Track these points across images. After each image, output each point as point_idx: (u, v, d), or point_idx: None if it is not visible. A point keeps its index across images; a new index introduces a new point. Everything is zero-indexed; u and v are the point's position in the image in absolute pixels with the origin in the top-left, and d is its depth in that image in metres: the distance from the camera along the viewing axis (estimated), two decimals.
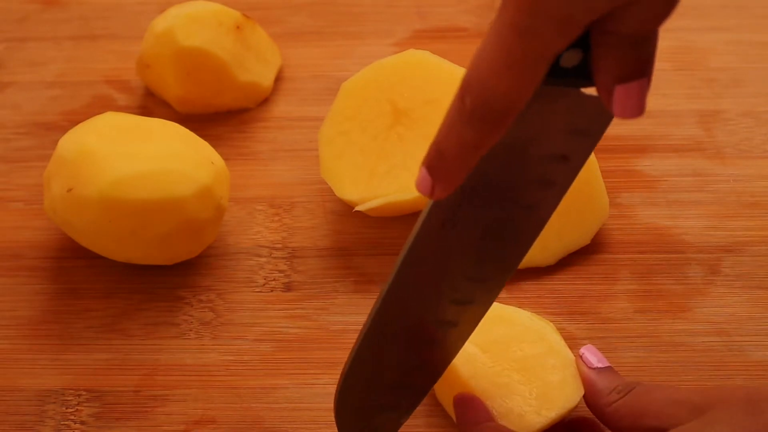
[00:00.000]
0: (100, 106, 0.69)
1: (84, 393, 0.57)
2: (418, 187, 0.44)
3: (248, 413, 0.56)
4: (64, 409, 0.56)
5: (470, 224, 0.47)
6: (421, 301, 0.49)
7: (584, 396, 0.52)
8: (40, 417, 0.56)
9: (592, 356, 0.53)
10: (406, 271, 0.47)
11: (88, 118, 0.60)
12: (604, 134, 0.66)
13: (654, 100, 0.67)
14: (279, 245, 0.62)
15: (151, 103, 0.70)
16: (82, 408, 0.56)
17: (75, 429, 0.56)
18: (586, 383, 0.52)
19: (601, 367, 0.53)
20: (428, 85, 0.60)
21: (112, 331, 0.59)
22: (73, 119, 0.67)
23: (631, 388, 0.51)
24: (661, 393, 0.49)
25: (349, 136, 0.61)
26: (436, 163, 0.44)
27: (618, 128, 0.66)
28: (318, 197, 0.64)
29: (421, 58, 0.61)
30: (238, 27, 0.67)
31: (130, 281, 0.61)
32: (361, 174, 0.60)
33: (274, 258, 0.62)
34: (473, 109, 0.41)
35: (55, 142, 0.60)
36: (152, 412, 0.56)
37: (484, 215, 0.47)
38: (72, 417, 0.56)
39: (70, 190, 0.57)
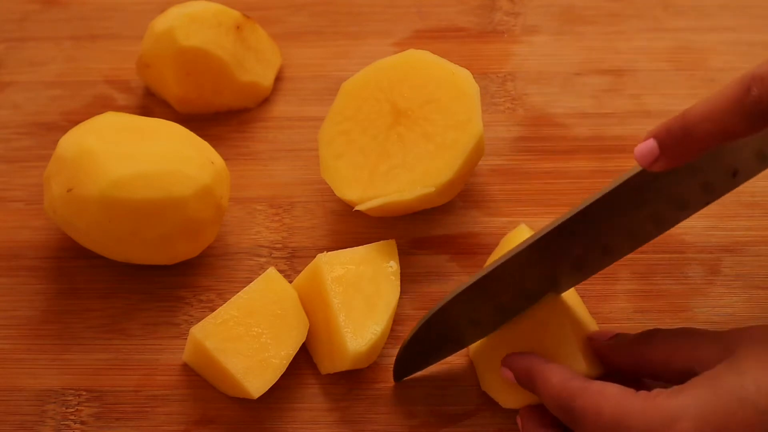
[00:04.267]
0: (100, 106, 0.69)
1: (84, 393, 0.57)
2: (639, 154, 0.46)
3: (248, 413, 0.56)
4: (64, 409, 0.56)
5: (630, 209, 0.50)
6: (528, 278, 0.53)
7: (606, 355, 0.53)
8: (40, 417, 0.56)
9: (599, 335, 0.54)
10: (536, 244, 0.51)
11: (88, 118, 0.60)
12: (604, 134, 0.66)
13: (654, 100, 0.67)
14: (279, 245, 0.62)
15: (151, 103, 0.70)
16: (82, 408, 0.56)
17: (75, 429, 0.56)
18: (601, 350, 0.54)
19: (611, 336, 0.54)
20: (428, 85, 0.60)
21: (112, 331, 0.59)
22: (73, 119, 0.67)
23: (652, 332, 0.52)
24: (686, 336, 0.50)
25: (349, 135, 0.61)
26: (673, 137, 0.45)
27: (618, 128, 0.66)
28: (318, 197, 0.64)
29: (421, 58, 0.61)
30: (238, 27, 0.67)
31: (130, 281, 0.61)
32: (361, 174, 0.60)
33: (274, 258, 0.62)
34: (758, 102, 0.42)
35: (55, 142, 0.60)
36: (152, 412, 0.56)
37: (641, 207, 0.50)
38: (72, 417, 0.56)
39: (70, 190, 0.57)
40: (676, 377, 0.50)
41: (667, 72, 0.69)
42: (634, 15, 0.71)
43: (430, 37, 0.72)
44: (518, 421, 0.54)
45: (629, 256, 0.59)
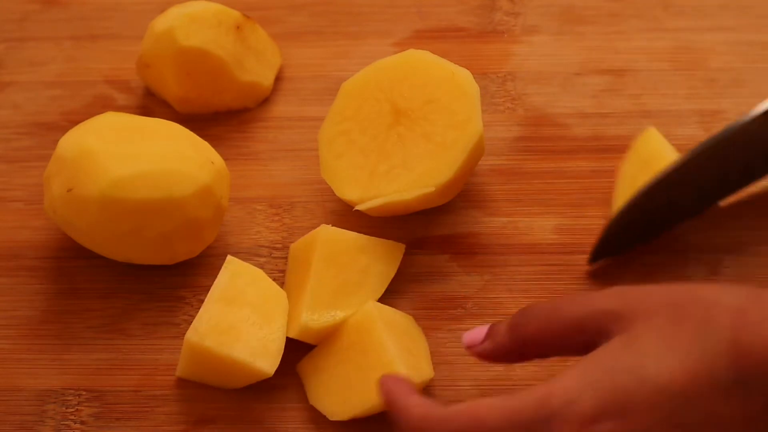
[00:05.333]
0: (100, 106, 0.69)
1: (84, 393, 0.57)
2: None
3: (248, 413, 0.56)
4: (64, 409, 0.56)
5: None
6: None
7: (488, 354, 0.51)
8: (40, 417, 0.56)
9: (471, 336, 0.51)
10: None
11: (88, 118, 0.60)
12: (604, 134, 0.66)
13: (654, 100, 0.67)
14: (279, 245, 0.62)
15: (151, 103, 0.70)
16: (82, 408, 0.56)
17: (75, 429, 0.56)
18: (491, 351, 0.50)
19: (481, 337, 0.51)
20: (428, 85, 0.60)
21: (112, 331, 0.59)
22: (73, 119, 0.67)
23: (534, 306, 0.49)
24: (575, 308, 0.48)
25: (349, 135, 0.61)
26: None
27: (618, 128, 0.66)
28: (318, 197, 0.64)
29: (421, 58, 0.61)
30: (238, 27, 0.67)
31: (130, 281, 0.61)
32: (361, 174, 0.60)
33: (274, 258, 0.62)
34: None
35: (55, 142, 0.60)
36: (152, 412, 0.56)
37: None
38: (72, 417, 0.56)
39: (70, 190, 0.57)
40: (578, 348, 0.47)
41: (667, 72, 0.69)
42: (634, 15, 0.71)
43: (430, 37, 0.72)
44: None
45: (629, 256, 0.59)
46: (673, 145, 0.66)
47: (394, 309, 0.56)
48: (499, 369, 0.57)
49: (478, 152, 0.59)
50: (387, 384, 0.49)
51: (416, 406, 0.47)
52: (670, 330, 0.45)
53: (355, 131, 0.60)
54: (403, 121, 0.60)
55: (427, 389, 0.55)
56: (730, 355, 0.43)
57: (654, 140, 0.60)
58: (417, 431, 0.46)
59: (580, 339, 0.47)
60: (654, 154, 0.59)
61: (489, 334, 0.50)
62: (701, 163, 0.57)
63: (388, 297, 0.60)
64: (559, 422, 0.44)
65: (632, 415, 0.44)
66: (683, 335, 0.44)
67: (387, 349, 0.53)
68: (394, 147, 0.60)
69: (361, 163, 0.60)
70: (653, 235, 0.60)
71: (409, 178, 0.59)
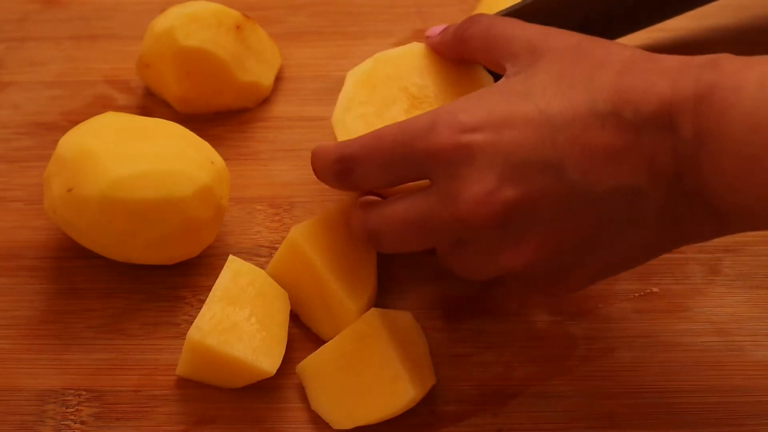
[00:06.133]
0: (100, 106, 0.69)
1: (84, 393, 0.57)
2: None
3: (248, 413, 0.56)
4: (64, 409, 0.56)
5: None
6: None
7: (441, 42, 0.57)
8: (40, 417, 0.56)
9: (433, 30, 0.58)
10: None
11: (88, 118, 0.60)
12: None
13: None
14: (279, 245, 0.62)
15: (151, 103, 0.70)
16: (82, 408, 0.56)
17: (75, 429, 0.56)
18: (436, 43, 0.57)
19: (441, 28, 0.57)
20: (438, 75, 0.58)
21: (112, 331, 0.59)
22: (73, 119, 0.67)
23: (478, 17, 0.54)
24: (509, 26, 0.52)
25: (366, 119, 0.58)
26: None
27: None
28: (318, 197, 0.64)
29: (424, 50, 0.59)
30: (238, 27, 0.67)
31: (130, 281, 0.61)
32: None
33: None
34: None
35: (55, 142, 0.60)
36: (152, 412, 0.56)
37: None
38: (72, 417, 0.56)
39: (70, 190, 0.57)
40: (499, 70, 0.52)
41: None
42: None
43: None
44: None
45: None
46: None
47: (394, 311, 0.56)
48: (499, 369, 0.57)
49: None
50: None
51: (333, 145, 0.54)
52: (567, 69, 0.48)
53: (372, 115, 0.58)
54: (421, 106, 0.58)
55: (428, 391, 0.55)
56: (611, 91, 0.47)
57: None
58: (335, 163, 0.53)
59: (495, 53, 0.52)
60: None
61: (443, 31, 0.57)
62: None
63: (388, 297, 0.60)
64: (440, 128, 0.48)
65: (507, 130, 0.47)
66: (575, 73, 0.48)
67: (392, 361, 0.53)
68: None
69: None
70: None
71: None
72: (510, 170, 0.47)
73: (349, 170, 0.52)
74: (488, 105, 0.48)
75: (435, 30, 0.57)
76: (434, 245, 0.52)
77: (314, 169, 0.55)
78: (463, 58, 0.56)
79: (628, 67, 0.48)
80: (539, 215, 0.47)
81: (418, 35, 0.72)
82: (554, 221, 0.48)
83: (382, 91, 0.59)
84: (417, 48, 0.60)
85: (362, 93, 0.59)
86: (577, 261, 0.49)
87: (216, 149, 0.61)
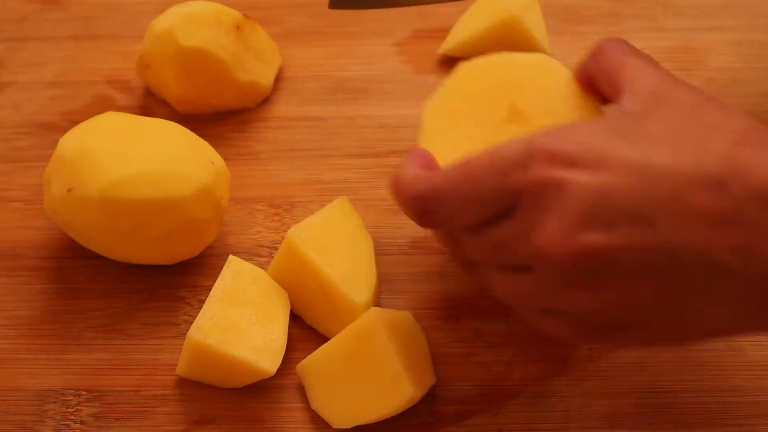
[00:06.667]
0: (100, 106, 0.69)
1: (84, 393, 0.57)
2: None
3: (248, 413, 0.56)
4: (64, 409, 0.56)
5: None
6: None
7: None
8: (40, 417, 0.56)
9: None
10: None
11: (88, 118, 0.60)
12: None
13: None
14: (279, 245, 0.62)
15: (151, 103, 0.70)
16: (82, 408, 0.56)
17: (75, 429, 0.56)
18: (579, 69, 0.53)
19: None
20: (551, 95, 0.54)
21: (112, 331, 0.59)
22: (73, 119, 0.67)
23: (622, 42, 0.51)
24: (643, 62, 0.50)
25: (458, 117, 0.55)
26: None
27: None
28: (318, 197, 0.64)
29: (551, 66, 0.55)
30: (238, 27, 0.67)
31: (130, 281, 0.61)
32: (457, 158, 0.53)
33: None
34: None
35: (55, 142, 0.60)
36: (152, 412, 0.56)
37: None
38: (72, 417, 0.56)
39: (70, 190, 0.57)
40: (614, 98, 0.49)
41: None
42: (633, 15, 0.71)
43: (430, 37, 0.72)
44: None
45: None
46: None
47: (394, 311, 0.56)
48: (499, 369, 0.57)
49: None
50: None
51: (414, 177, 0.49)
52: (682, 126, 0.46)
53: (466, 114, 0.55)
54: (518, 121, 0.54)
55: (428, 390, 0.55)
56: (721, 159, 0.44)
57: None
58: (416, 200, 0.49)
59: (620, 79, 0.49)
60: None
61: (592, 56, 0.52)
62: None
63: (388, 297, 0.60)
64: (537, 159, 0.45)
65: (605, 171, 0.44)
66: (689, 132, 0.45)
67: (392, 360, 0.53)
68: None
69: (463, 147, 0.54)
70: None
71: None
72: (600, 214, 0.44)
73: (433, 211, 0.48)
74: (591, 139, 0.45)
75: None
76: (493, 263, 0.49)
77: (393, 196, 0.51)
78: (586, 75, 0.53)
79: (743, 137, 0.45)
80: (619, 266, 0.44)
81: (418, 35, 0.72)
82: (632, 276, 0.44)
83: (487, 91, 0.55)
84: (542, 61, 0.55)
85: (466, 87, 0.55)
86: (640, 321, 0.46)
87: (216, 149, 0.61)
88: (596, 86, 0.52)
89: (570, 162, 0.44)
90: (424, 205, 0.48)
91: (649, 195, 0.44)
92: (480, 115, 0.54)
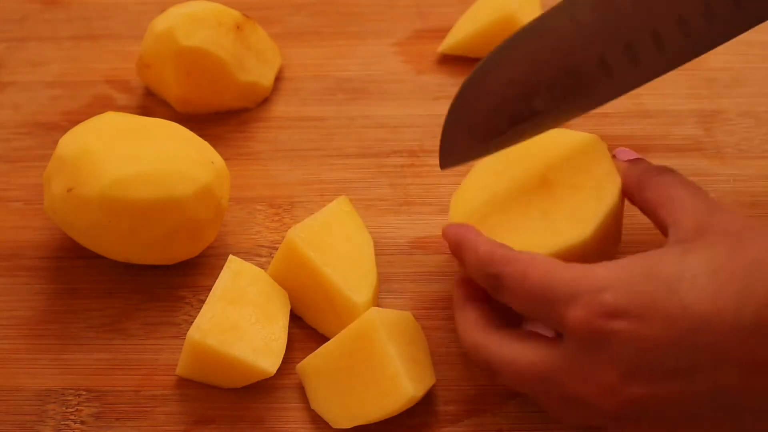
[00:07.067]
0: (100, 106, 0.69)
1: (84, 393, 0.57)
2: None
3: (248, 413, 0.56)
4: (64, 409, 0.56)
5: None
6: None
7: (623, 186, 0.54)
8: (40, 417, 0.56)
9: (625, 153, 0.55)
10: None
11: (88, 118, 0.60)
12: (604, 134, 0.66)
13: (654, 100, 0.67)
14: (279, 245, 0.62)
15: (151, 103, 0.70)
16: (82, 408, 0.56)
17: (75, 429, 0.56)
18: (621, 172, 0.54)
19: (633, 158, 0.55)
20: (578, 168, 0.56)
21: (112, 331, 0.59)
22: (73, 119, 0.67)
23: (662, 171, 0.53)
24: (684, 195, 0.51)
25: (488, 168, 0.57)
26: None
27: (618, 128, 0.66)
28: (318, 197, 0.64)
29: (595, 146, 0.56)
30: (238, 27, 0.67)
31: (130, 281, 0.61)
32: (475, 215, 0.56)
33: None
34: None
35: (55, 142, 0.60)
36: (152, 412, 0.56)
37: None
38: (72, 417, 0.56)
39: (70, 190, 0.57)
40: (660, 227, 0.51)
41: None
42: None
43: (430, 37, 0.72)
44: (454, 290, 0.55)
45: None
46: (673, 145, 0.66)
47: (394, 311, 0.56)
48: None
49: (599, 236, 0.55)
50: (453, 228, 0.53)
51: (484, 242, 0.51)
52: (723, 259, 0.46)
53: (493, 170, 0.57)
54: (542, 187, 0.56)
55: (428, 390, 0.55)
56: (758, 306, 0.44)
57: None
58: (484, 263, 0.50)
59: (662, 213, 0.51)
60: None
61: (633, 162, 0.55)
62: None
63: (388, 297, 0.60)
64: (580, 304, 0.46)
65: (648, 322, 0.45)
66: (731, 268, 0.46)
67: (391, 360, 0.53)
68: (522, 207, 0.55)
69: (485, 203, 0.56)
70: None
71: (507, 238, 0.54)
72: (641, 366, 0.46)
73: (496, 288, 0.50)
74: (634, 288, 0.46)
75: (624, 153, 0.56)
76: (543, 394, 0.50)
77: (462, 252, 0.53)
78: (632, 198, 0.54)
79: None
80: (662, 413, 0.46)
81: (418, 35, 0.72)
82: (674, 418, 0.46)
83: (524, 157, 0.56)
84: (586, 139, 0.57)
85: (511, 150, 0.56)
86: None
87: (216, 149, 0.61)
88: (642, 209, 0.54)
89: (612, 313, 0.46)
90: (490, 278, 0.50)
91: (688, 349, 0.45)
92: (508, 174, 0.57)
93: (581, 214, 0.54)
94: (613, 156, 0.56)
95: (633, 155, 0.55)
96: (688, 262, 0.46)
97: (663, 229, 0.51)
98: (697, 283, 0.45)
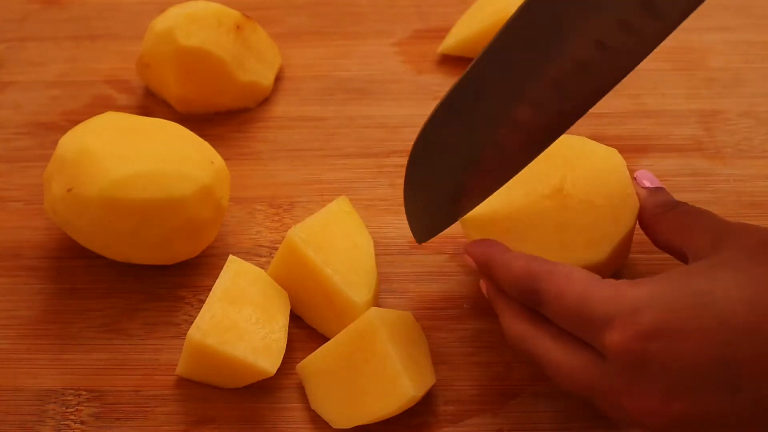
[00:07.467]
0: (100, 106, 0.69)
1: (84, 393, 0.57)
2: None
3: (248, 413, 0.56)
4: (64, 409, 0.56)
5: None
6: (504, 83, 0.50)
7: (639, 213, 0.55)
8: (40, 417, 0.56)
9: (645, 177, 0.56)
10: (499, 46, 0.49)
11: (88, 118, 0.61)
12: (604, 134, 0.66)
13: (654, 100, 0.67)
14: (279, 245, 0.62)
15: (151, 103, 0.70)
16: (82, 408, 0.56)
17: (75, 429, 0.56)
18: (639, 200, 0.55)
19: (652, 187, 0.55)
20: (596, 184, 0.56)
21: (112, 331, 0.59)
22: (73, 119, 0.67)
23: (677, 206, 0.54)
24: (698, 219, 0.52)
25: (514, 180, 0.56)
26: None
27: (618, 128, 0.66)
28: (318, 197, 0.64)
29: (614, 162, 0.57)
30: (238, 27, 0.67)
31: (130, 281, 0.61)
32: (487, 219, 0.56)
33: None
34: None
35: (55, 142, 0.60)
36: (152, 412, 0.56)
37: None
38: (72, 417, 0.56)
39: (70, 190, 0.57)
40: (678, 257, 0.52)
41: (667, 72, 0.69)
42: None
43: (430, 37, 0.72)
44: (483, 288, 0.54)
45: (630, 256, 0.59)
46: (673, 145, 0.66)
47: (394, 311, 0.56)
48: (499, 369, 0.57)
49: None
50: (480, 247, 0.53)
51: (516, 258, 0.51)
52: (750, 268, 0.46)
53: (519, 180, 0.56)
54: (559, 198, 0.56)
55: (428, 390, 0.55)
56: None
57: None
58: (520, 281, 0.50)
59: (677, 242, 0.52)
60: None
61: (653, 191, 0.56)
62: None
63: (388, 297, 0.60)
64: (617, 326, 0.46)
65: (685, 340, 0.45)
66: (760, 276, 0.45)
67: (391, 360, 0.53)
68: (536, 215, 0.56)
69: (499, 210, 0.57)
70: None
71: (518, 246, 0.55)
72: (681, 385, 0.45)
73: (537, 302, 0.50)
74: (668, 307, 0.45)
75: (645, 177, 0.56)
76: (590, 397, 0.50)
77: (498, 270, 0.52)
78: (646, 229, 0.55)
79: None
80: (707, 427, 0.46)
81: (418, 35, 0.72)
82: (721, 427, 0.46)
83: (540, 161, 0.54)
84: (605, 155, 0.57)
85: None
86: None
87: (216, 149, 0.61)
88: (657, 240, 0.55)
89: (649, 334, 0.45)
90: (528, 292, 0.50)
91: (727, 363, 0.45)
92: (526, 183, 0.57)
93: (597, 235, 0.54)
94: (634, 178, 0.56)
95: (655, 182, 0.56)
96: (716, 273, 0.46)
97: (681, 256, 0.52)
98: (729, 296, 0.45)
